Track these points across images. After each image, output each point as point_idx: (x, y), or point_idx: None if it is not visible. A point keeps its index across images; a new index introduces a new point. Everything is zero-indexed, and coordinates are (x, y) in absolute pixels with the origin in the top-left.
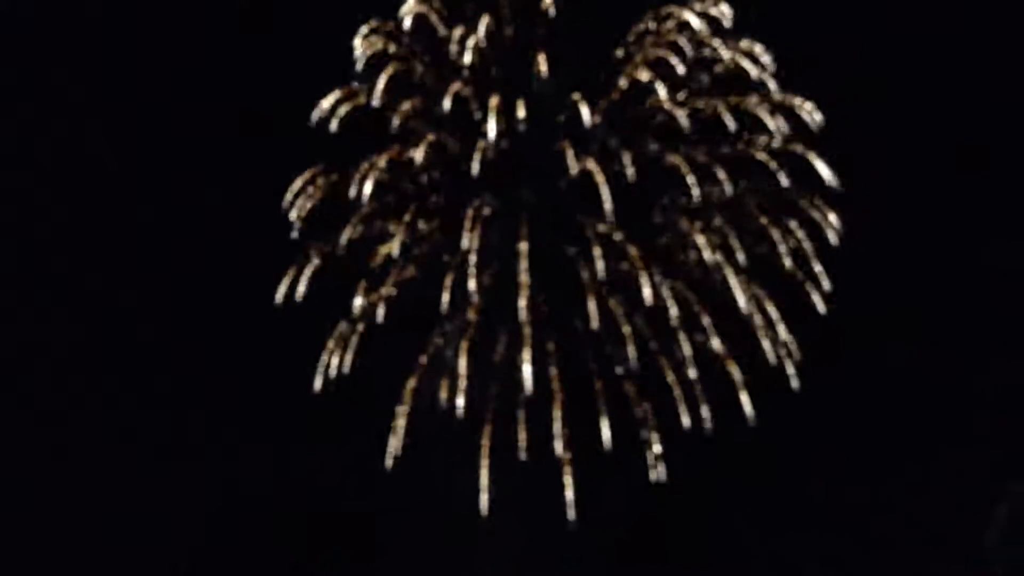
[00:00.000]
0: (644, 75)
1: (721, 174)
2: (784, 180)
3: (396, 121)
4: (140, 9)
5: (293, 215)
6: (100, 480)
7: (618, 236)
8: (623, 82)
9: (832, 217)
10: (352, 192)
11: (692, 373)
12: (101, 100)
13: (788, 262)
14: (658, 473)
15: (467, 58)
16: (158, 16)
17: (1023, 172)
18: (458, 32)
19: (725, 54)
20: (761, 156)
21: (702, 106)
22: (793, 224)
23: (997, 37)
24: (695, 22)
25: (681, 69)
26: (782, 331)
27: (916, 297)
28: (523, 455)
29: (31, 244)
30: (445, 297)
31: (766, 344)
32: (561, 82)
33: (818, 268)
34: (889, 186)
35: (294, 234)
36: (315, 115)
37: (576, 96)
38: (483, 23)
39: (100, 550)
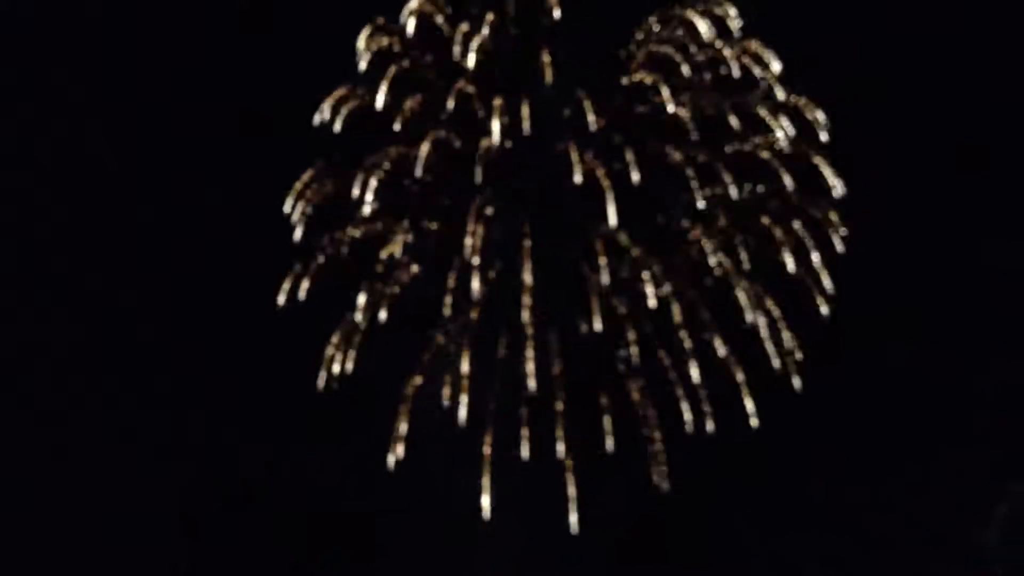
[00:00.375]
0: (649, 75)
1: (725, 176)
2: (788, 181)
3: (399, 120)
4: (140, 9)
5: (295, 215)
6: (99, 479)
7: (622, 237)
8: (628, 82)
9: (835, 218)
10: (355, 192)
11: (694, 373)
12: (101, 100)
13: (790, 263)
14: (659, 474)
15: (471, 60)
16: (158, 16)
17: (1023, 172)
18: (462, 30)
19: (729, 55)
20: (764, 155)
21: (705, 105)
22: (796, 224)
23: (997, 37)
24: (700, 23)
25: (686, 70)
26: (784, 332)
27: (916, 297)
28: (525, 455)
29: (31, 244)
30: (448, 297)
31: (768, 344)
32: (565, 82)
33: (820, 269)
34: (889, 186)
35: (297, 234)
36: (318, 115)
37: (581, 95)
38: (487, 22)
39: (99, 549)
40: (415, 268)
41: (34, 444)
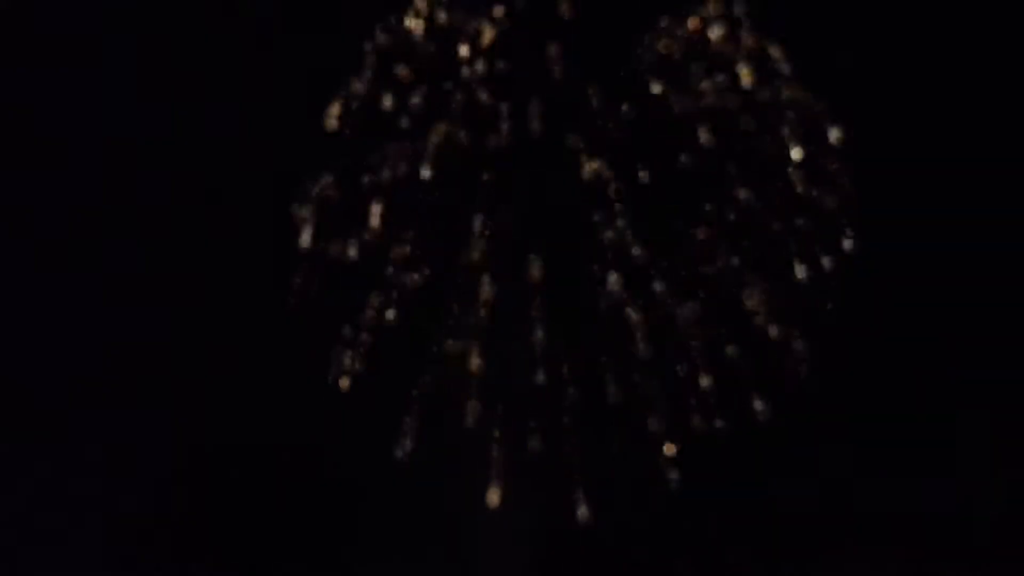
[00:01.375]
0: (659, 76)
1: (735, 176)
2: (798, 182)
3: (405, 119)
4: (142, 8)
5: (302, 219)
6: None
7: (631, 238)
8: (638, 84)
9: (846, 222)
10: (362, 193)
11: (704, 374)
12: (104, 100)
13: (797, 264)
14: (669, 475)
15: (479, 57)
16: (160, 16)
17: None
18: (471, 26)
19: (741, 56)
20: (773, 151)
21: (714, 103)
22: (804, 221)
23: (1006, 34)
24: (712, 24)
25: (696, 70)
26: (794, 333)
27: (922, 297)
28: (533, 455)
29: (32, 245)
30: (456, 296)
31: (778, 346)
32: (576, 78)
33: (829, 268)
34: (901, 185)
35: (304, 238)
36: (325, 117)
37: (591, 95)
38: (496, 17)
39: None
40: (423, 268)
41: (38, 446)
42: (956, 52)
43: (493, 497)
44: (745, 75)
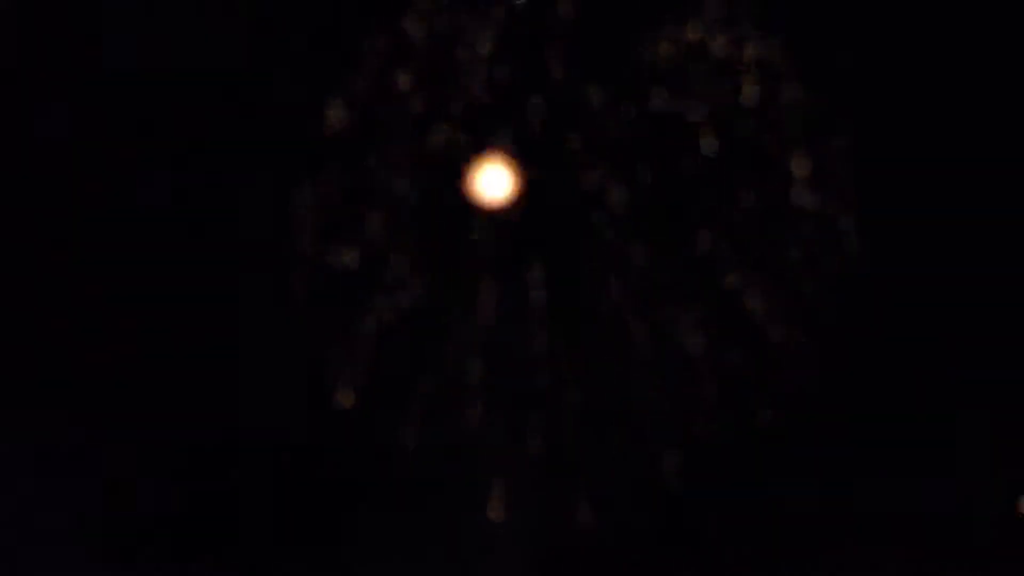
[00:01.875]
0: (660, 77)
1: (736, 178)
2: (800, 184)
3: (406, 121)
4: (139, 5)
5: (302, 223)
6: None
7: (632, 241)
8: (639, 85)
9: (847, 221)
10: (360, 198)
11: (706, 376)
12: (98, 98)
13: (800, 267)
14: (671, 480)
15: (479, 66)
16: (159, 15)
17: None
18: (470, 27)
19: (742, 58)
20: (774, 152)
21: (715, 104)
22: (805, 222)
23: (1007, 34)
24: (713, 25)
25: (697, 72)
26: (796, 334)
27: (922, 297)
28: (534, 461)
29: (26, 247)
30: (457, 301)
31: (780, 349)
32: (575, 82)
33: (831, 271)
34: (895, 185)
35: (303, 241)
36: (324, 120)
37: (592, 97)
38: (494, 16)
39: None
40: (424, 275)
41: (41, 443)
42: (959, 53)
43: (495, 509)
44: (746, 77)
